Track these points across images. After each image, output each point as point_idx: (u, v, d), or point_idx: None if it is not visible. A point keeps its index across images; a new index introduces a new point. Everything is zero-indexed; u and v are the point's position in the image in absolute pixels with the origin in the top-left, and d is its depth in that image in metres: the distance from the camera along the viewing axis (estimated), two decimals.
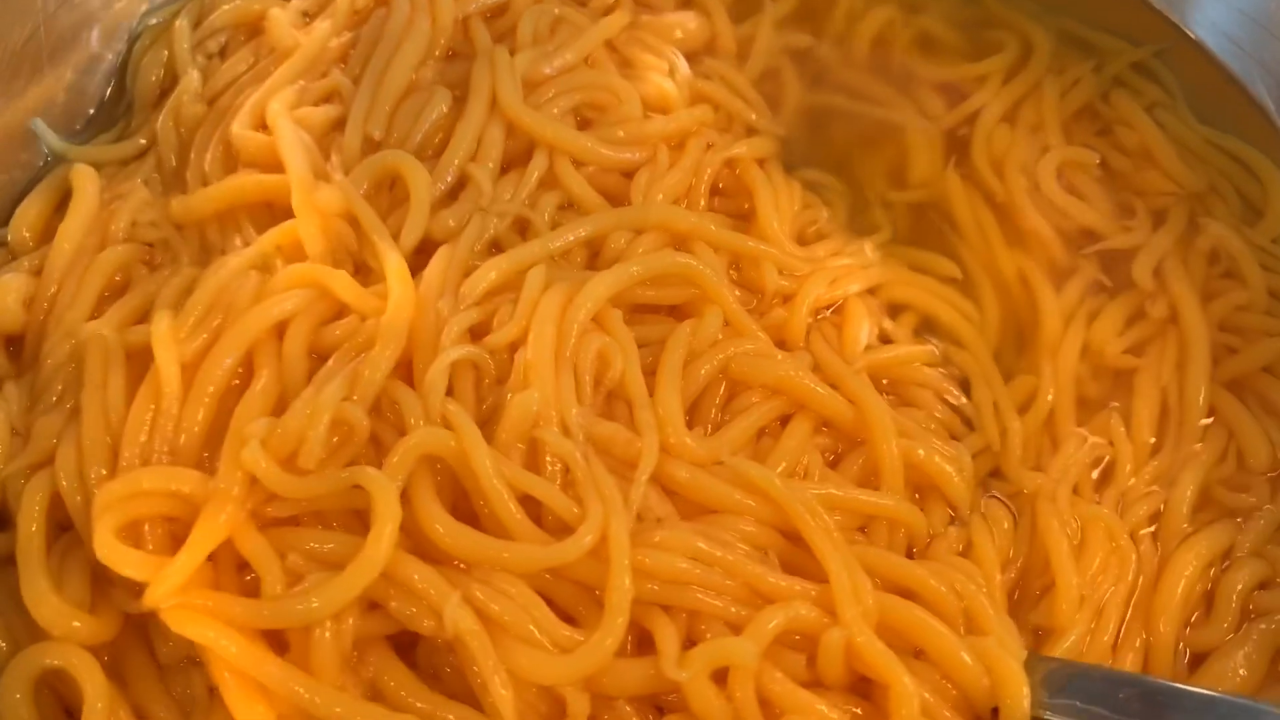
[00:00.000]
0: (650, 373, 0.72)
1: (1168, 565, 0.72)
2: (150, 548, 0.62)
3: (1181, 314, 0.82)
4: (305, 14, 0.89)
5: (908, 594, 0.65)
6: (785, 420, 0.74)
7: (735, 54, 0.94)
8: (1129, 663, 0.70)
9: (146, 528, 0.63)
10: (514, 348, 0.69)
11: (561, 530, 0.63)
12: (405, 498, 0.62)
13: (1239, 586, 0.71)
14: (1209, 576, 0.72)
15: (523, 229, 0.77)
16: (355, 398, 0.65)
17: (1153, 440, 0.78)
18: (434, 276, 0.72)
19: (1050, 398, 0.79)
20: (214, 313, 0.69)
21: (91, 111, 0.89)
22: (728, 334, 0.75)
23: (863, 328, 0.79)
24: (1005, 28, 0.96)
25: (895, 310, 0.82)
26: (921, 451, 0.72)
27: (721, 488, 0.67)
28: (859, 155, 0.91)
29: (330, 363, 0.68)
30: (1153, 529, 0.74)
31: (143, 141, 0.86)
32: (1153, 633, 0.70)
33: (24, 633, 0.63)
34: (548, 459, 0.65)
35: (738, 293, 0.78)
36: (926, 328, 0.83)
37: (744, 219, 0.84)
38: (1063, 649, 0.68)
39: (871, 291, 0.82)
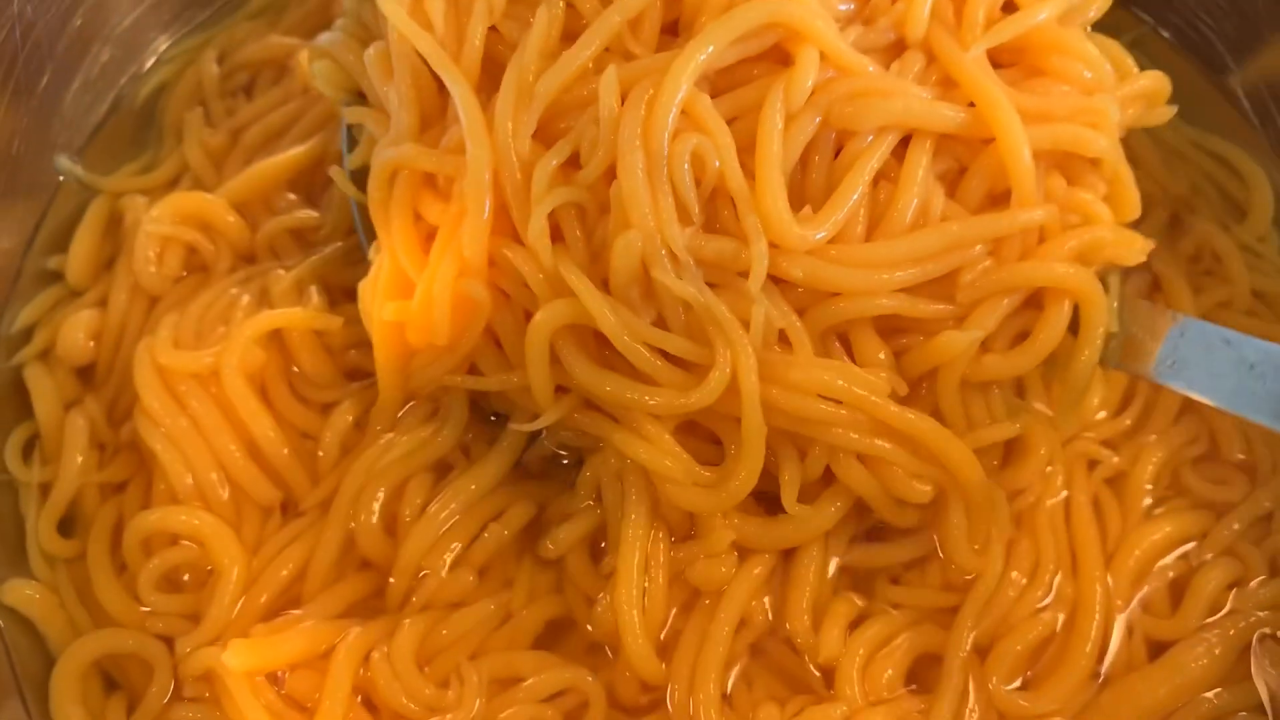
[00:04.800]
0: (747, 149, 0.67)
1: (1125, 539, 0.75)
2: None
3: (1174, 301, 0.82)
4: None
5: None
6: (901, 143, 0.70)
7: None
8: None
9: None
10: (609, 177, 0.67)
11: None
12: (553, 356, 0.69)
13: (1210, 585, 0.73)
14: (1173, 564, 0.75)
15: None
16: (468, 272, 0.69)
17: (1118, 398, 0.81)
18: (504, 112, 0.67)
19: None
20: None
21: (90, 132, 0.91)
22: (824, 72, 0.68)
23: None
24: None
25: None
26: (1049, 131, 0.69)
27: (841, 276, 0.68)
28: None
29: (440, 234, 0.70)
30: (1102, 476, 0.78)
31: (172, 171, 0.90)
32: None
33: (86, 622, 0.75)
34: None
35: (841, 7, 0.69)
36: None
37: None
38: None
39: None
